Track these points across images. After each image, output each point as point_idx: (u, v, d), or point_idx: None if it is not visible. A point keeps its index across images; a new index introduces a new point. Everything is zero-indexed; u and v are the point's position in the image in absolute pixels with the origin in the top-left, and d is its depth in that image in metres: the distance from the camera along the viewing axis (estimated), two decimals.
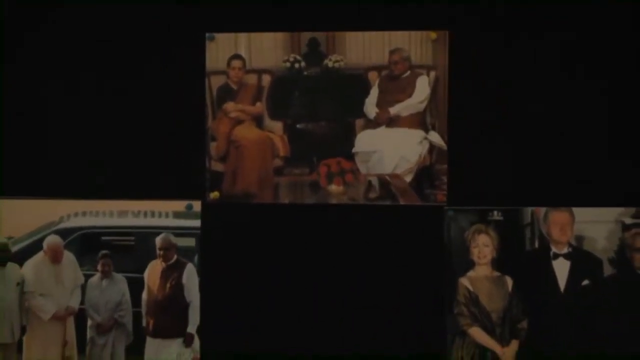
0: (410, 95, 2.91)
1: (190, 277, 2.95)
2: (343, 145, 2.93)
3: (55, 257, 2.98)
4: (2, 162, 3.03)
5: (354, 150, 2.93)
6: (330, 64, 2.93)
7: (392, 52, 2.91)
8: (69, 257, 2.99)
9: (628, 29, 2.82)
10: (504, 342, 2.83)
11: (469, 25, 2.86)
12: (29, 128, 3.03)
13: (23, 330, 2.98)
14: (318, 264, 2.92)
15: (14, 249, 2.99)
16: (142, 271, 2.97)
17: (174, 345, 2.96)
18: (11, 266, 2.98)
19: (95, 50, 2.98)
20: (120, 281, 2.99)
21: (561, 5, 2.83)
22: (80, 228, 2.99)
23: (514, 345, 2.83)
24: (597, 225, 2.80)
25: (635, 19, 2.82)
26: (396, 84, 2.92)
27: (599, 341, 2.80)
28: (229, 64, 2.97)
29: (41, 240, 2.99)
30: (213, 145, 2.97)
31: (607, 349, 2.80)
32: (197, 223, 2.94)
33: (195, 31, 2.95)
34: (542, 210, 2.82)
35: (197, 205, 2.95)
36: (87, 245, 2.99)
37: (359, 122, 2.93)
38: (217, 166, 2.97)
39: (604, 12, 2.82)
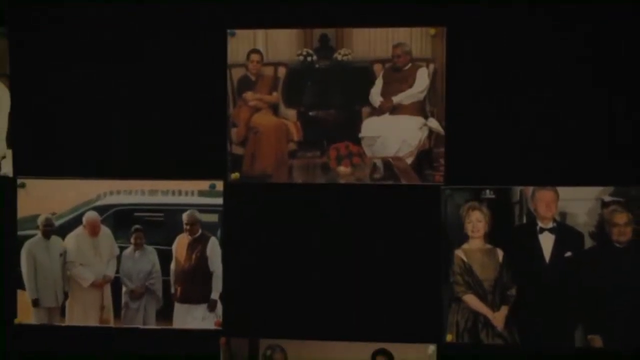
0: (411, 86, 3.02)
1: (214, 249, 3.12)
2: (351, 130, 3.04)
3: (93, 231, 3.16)
4: (49, 148, 3.17)
5: (360, 135, 3.04)
6: (339, 57, 3.03)
7: (395, 46, 3.01)
8: (105, 231, 3.16)
9: (622, 23, 2.90)
10: (495, 307, 2.99)
11: (465, 22, 2.96)
12: (71, 118, 3.15)
13: (65, 295, 3.18)
14: (327, 237, 3.05)
15: (57, 223, 3.18)
16: (170, 244, 3.14)
17: (199, 310, 3.13)
18: (55, 239, 3.18)
19: (132, 43, 3.10)
20: (151, 253, 3.16)
21: None
22: (115, 205, 3.15)
23: (504, 310, 2.98)
24: (579, 203, 2.94)
25: (632, 15, 2.89)
26: (399, 75, 3.03)
27: (579, 307, 2.95)
28: (248, 57, 3.07)
29: (81, 216, 3.16)
30: (234, 131, 3.09)
31: (586, 313, 2.95)
32: (219, 201, 3.09)
33: (217, 28, 3.06)
34: (529, 189, 2.96)
35: (219, 185, 3.09)
36: (121, 220, 3.15)
37: (365, 110, 3.04)
38: (238, 150, 3.09)
39: (601, 7, 2.90)
